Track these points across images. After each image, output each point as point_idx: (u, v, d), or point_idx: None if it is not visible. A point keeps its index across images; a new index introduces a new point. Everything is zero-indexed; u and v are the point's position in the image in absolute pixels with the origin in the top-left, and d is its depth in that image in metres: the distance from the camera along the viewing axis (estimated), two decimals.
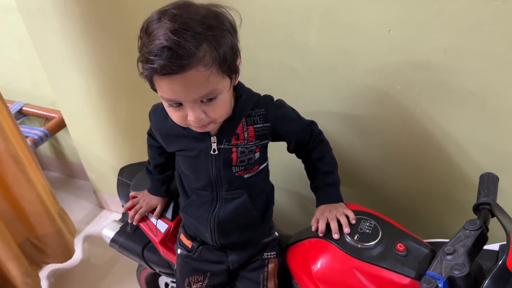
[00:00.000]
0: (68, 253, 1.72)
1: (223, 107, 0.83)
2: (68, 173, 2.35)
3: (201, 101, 0.78)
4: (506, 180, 1.01)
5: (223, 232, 0.99)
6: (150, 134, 1.08)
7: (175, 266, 1.11)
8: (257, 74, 0.96)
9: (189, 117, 0.79)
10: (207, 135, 0.91)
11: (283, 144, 1.02)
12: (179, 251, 1.09)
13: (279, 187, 1.11)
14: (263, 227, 1.05)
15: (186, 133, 0.93)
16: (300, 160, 1.06)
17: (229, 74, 0.80)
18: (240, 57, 0.84)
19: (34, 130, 1.88)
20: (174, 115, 0.82)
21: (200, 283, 1.05)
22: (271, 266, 1.04)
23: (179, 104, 0.79)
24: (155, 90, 0.81)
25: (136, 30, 0.77)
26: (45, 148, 2.31)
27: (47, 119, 1.98)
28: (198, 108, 0.78)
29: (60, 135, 2.13)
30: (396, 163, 1.22)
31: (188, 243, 1.07)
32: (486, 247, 0.82)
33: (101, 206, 2.11)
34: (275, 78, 0.99)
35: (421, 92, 1.05)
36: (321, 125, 1.04)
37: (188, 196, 1.02)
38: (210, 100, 0.79)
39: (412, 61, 1.02)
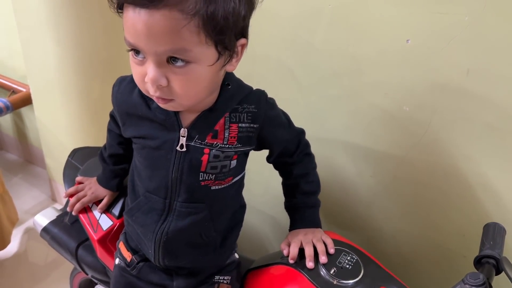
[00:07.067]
0: (1, 242, 1.51)
1: (194, 83, 0.64)
2: (26, 158, 2.15)
3: (168, 62, 0.61)
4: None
5: (170, 252, 0.80)
6: (113, 116, 0.88)
7: (112, 276, 0.90)
8: (250, 68, 0.82)
9: (147, 76, 0.62)
10: (177, 124, 0.72)
11: (262, 156, 0.87)
12: (117, 260, 0.89)
13: (250, 206, 0.95)
14: (220, 253, 0.85)
15: (151, 116, 0.74)
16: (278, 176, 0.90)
17: (218, 45, 0.61)
18: (247, 38, 0.67)
19: None
20: (135, 70, 0.65)
21: None
22: None
23: (142, 56, 0.62)
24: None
25: None
26: (7, 126, 2.13)
27: (13, 92, 1.80)
28: (159, 69, 0.61)
29: (25, 114, 1.96)
30: (389, 200, 1.06)
31: (127, 255, 0.86)
32: None
33: (53, 199, 1.90)
34: (269, 77, 0.85)
35: (431, 117, 0.91)
36: (310, 138, 0.89)
37: (136, 197, 0.82)
38: (180, 64, 0.61)
39: (428, 79, 0.88)
